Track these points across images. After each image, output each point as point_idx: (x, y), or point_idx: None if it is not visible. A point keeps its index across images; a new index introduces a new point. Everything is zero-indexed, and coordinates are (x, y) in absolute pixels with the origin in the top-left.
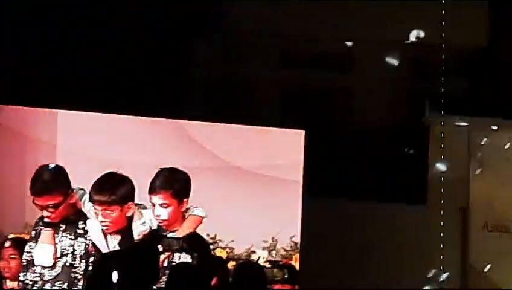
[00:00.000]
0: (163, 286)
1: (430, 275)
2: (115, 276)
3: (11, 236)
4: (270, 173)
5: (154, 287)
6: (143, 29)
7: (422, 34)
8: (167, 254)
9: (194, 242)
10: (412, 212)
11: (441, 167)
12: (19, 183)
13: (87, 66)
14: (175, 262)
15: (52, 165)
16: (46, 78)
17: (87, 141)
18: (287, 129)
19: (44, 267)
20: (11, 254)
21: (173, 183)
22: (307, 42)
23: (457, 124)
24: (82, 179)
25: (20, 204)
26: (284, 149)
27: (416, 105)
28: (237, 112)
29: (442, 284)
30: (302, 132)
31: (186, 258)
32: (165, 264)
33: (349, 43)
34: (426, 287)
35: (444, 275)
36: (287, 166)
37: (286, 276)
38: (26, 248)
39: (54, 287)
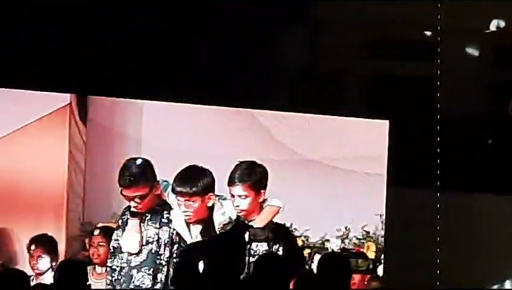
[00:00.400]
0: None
1: None
2: (201, 266)
3: (100, 225)
4: (351, 164)
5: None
6: (225, 21)
7: (502, 23)
8: (253, 244)
9: (281, 232)
10: (498, 203)
11: None
12: (107, 175)
13: (172, 57)
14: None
15: (139, 159)
16: (132, 68)
17: (170, 134)
18: (370, 120)
19: (130, 254)
20: (100, 242)
21: (251, 176)
22: (391, 32)
23: None
24: (166, 172)
25: (108, 195)
26: (367, 140)
27: (500, 94)
28: (321, 103)
29: None
30: (386, 122)
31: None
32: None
33: (432, 33)
34: None
35: None
36: (369, 157)
37: (371, 267)
38: (114, 236)
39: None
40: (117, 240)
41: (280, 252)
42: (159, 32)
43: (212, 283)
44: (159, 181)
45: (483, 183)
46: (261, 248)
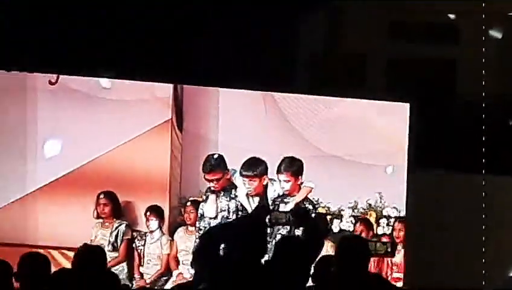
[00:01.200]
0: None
1: None
2: (222, 248)
3: (191, 199)
4: (371, 155)
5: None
6: (253, 8)
7: None
8: (275, 227)
9: (301, 216)
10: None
11: None
12: (196, 165)
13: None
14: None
15: (216, 154)
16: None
17: (236, 137)
18: (391, 102)
19: (210, 218)
20: (191, 210)
21: (292, 167)
22: (412, 14)
23: None
24: (234, 162)
25: (196, 179)
26: (388, 122)
27: None
28: (345, 85)
29: None
30: (407, 105)
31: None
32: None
33: (454, 15)
34: None
35: None
36: (390, 137)
37: (389, 250)
38: (200, 206)
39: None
40: (202, 209)
41: (300, 235)
42: None
43: (233, 266)
44: (229, 169)
45: (502, 164)
46: (282, 231)
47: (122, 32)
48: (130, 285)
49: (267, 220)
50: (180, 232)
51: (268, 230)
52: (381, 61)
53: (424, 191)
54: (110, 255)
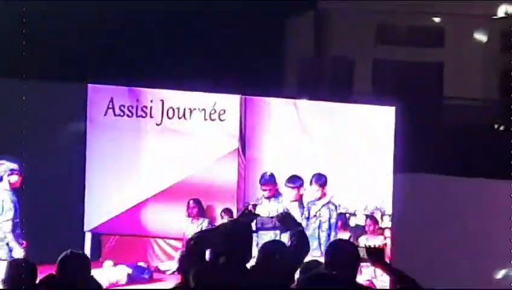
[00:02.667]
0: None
1: None
2: (208, 254)
3: (252, 203)
4: (359, 149)
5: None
6: (236, 10)
7: (511, 9)
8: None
9: (287, 221)
10: (503, 187)
11: None
12: (255, 180)
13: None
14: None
15: (268, 172)
16: None
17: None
18: (377, 106)
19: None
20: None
21: (319, 180)
22: (397, 18)
23: None
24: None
25: (255, 189)
26: (374, 125)
27: (507, 80)
28: (330, 90)
29: None
30: (393, 109)
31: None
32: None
33: (440, 18)
34: None
35: None
36: (377, 142)
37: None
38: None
39: None
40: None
41: (286, 241)
42: None
43: (219, 271)
44: (277, 182)
45: (486, 167)
46: (268, 236)
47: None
48: None
49: (253, 225)
50: None
51: (254, 235)
52: (368, 65)
53: (410, 193)
54: None
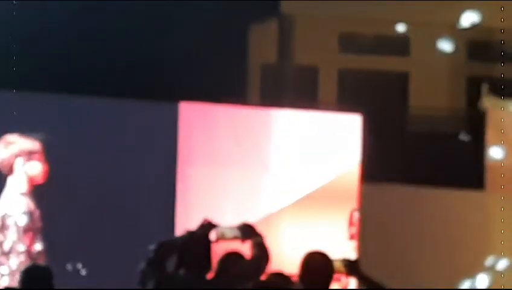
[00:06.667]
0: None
1: (488, 262)
2: (169, 264)
3: None
4: (326, 158)
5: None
6: (197, 15)
7: (477, 17)
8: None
9: (248, 231)
10: (470, 197)
11: (499, 152)
12: None
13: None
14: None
15: None
16: None
17: None
18: (343, 114)
19: None
20: None
21: None
22: (362, 27)
23: None
24: None
25: None
26: (340, 134)
27: (473, 89)
28: (295, 98)
29: (502, 272)
30: (359, 117)
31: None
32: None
33: (406, 27)
34: (485, 274)
35: (504, 262)
36: (343, 151)
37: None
38: None
39: None
40: None
41: (247, 251)
42: None
43: (178, 282)
44: None
45: (453, 177)
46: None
47: None
48: None
49: (213, 235)
50: None
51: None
52: (333, 74)
53: (376, 202)
54: None
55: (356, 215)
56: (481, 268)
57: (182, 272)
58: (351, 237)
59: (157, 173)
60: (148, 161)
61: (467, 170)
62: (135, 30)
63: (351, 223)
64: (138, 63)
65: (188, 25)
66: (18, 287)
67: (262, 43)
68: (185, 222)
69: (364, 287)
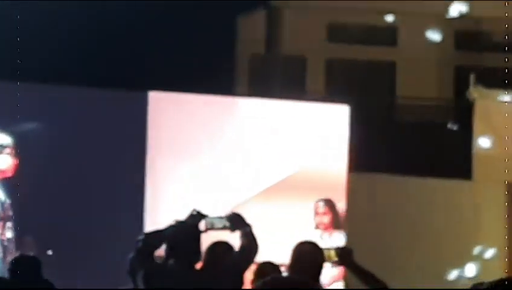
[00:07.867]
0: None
1: (475, 251)
2: (158, 254)
3: None
4: (315, 147)
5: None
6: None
7: (465, 8)
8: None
9: (236, 221)
10: (458, 186)
11: (487, 141)
12: None
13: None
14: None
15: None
16: None
17: None
18: (331, 104)
19: None
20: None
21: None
22: (350, 16)
23: (503, 98)
24: None
25: None
26: (328, 124)
27: (461, 79)
28: (284, 88)
29: (488, 260)
30: (347, 107)
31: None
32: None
33: (394, 17)
34: (471, 263)
35: (490, 251)
36: (332, 141)
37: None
38: None
39: None
40: None
41: (237, 241)
42: None
43: (167, 272)
44: None
45: (441, 166)
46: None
47: None
48: None
49: (202, 225)
50: None
51: (203, 235)
52: (321, 64)
53: (364, 192)
54: None
55: (321, 204)
56: (469, 257)
57: (171, 262)
58: (317, 226)
59: (127, 162)
60: (117, 150)
61: (455, 160)
62: (121, 22)
63: (316, 213)
64: (123, 54)
65: (177, 16)
66: (7, 277)
67: (250, 35)
68: (154, 211)
69: (356, 276)
